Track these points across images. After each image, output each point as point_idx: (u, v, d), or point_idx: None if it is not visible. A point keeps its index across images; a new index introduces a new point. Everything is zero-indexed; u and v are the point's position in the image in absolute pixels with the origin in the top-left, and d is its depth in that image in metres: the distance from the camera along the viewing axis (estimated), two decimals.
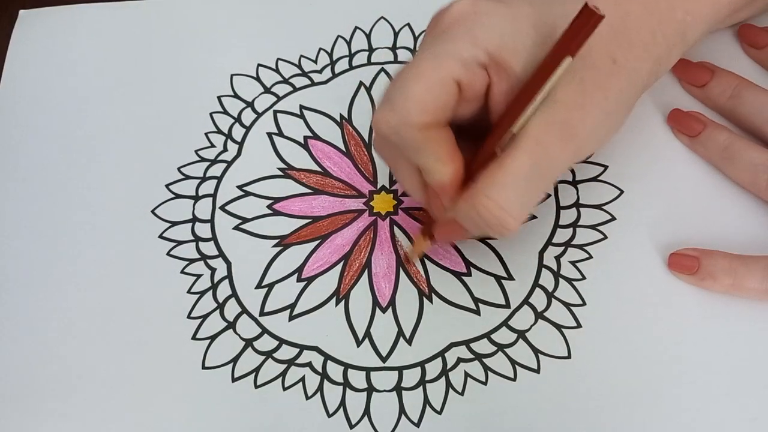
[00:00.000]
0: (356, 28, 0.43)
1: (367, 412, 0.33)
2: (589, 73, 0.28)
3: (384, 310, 0.35)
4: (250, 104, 0.41)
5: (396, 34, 0.42)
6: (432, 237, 0.34)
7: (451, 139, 0.29)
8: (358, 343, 0.34)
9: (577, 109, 0.28)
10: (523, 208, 0.29)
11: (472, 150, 0.30)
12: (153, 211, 0.38)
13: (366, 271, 0.36)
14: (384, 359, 0.34)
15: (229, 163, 0.39)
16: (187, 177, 0.39)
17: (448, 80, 0.27)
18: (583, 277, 0.35)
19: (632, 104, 0.31)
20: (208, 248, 0.37)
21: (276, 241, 0.37)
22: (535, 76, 0.27)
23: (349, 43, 0.42)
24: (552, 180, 0.29)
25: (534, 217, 0.36)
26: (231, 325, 0.35)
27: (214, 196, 0.38)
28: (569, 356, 0.33)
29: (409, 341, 0.34)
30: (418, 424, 0.32)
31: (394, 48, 0.42)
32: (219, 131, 0.40)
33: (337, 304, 0.35)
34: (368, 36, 0.42)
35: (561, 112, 0.28)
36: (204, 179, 0.39)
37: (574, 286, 0.35)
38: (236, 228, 0.37)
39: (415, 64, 0.28)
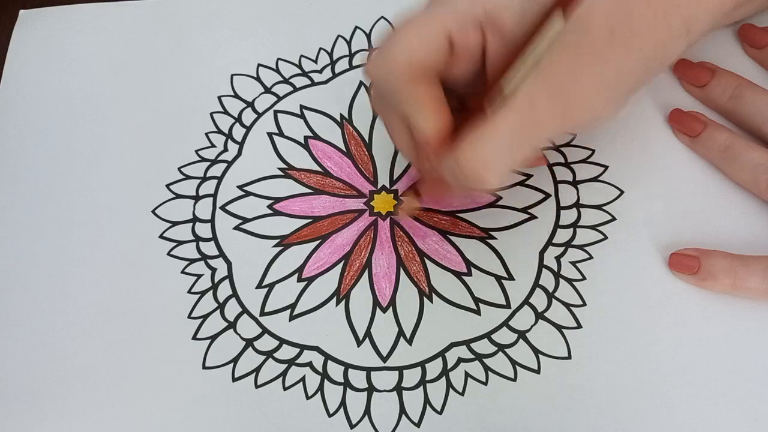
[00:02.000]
0: (356, 27, 0.43)
1: (367, 412, 0.33)
2: (586, 42, 0.28)
3: (384, 310, 0.35)
4: (250, 104, 0.41)
5: None
6: (419, 194, 0.34)
7: (439, 95, 0.30)
8: (359, 343, 0.34)
9: (570, 74, 0.28)
10: (504, 165, 0.29)
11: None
12: (153, 211, 0.38)
13: (366, 271, 0.36)
14: (384, 359, 0.34)
15: (230, 163, 0.39)
16: (188, 177, 0.39)
17: (439, 34, 0.28)
18: (584, 278, 0.35)
19: (633, 86, 0.31)
20: (209, 248, 0.37)
21: (276, 241, 0.37)
22: (528, 35, 0.28)
23: (349, 43, 0.42)
24: (537, 142, 0.29)
25: (534, 217, 0.36)
26: (231, 325, 0.35)
27: (214, 196, 0.38)
28: (569, 357, 0.33)
29: (410, 341, 0.34)
30: (418, 424, 0.32)
31: None
32: (219, 131, 0.40)
33: (337, 304, 0.35)
34: (368, 36, 0.42)
35: (553, 75, 0.28)
36: (204, 179, 0.39)
37: (574, 287, 0.35)
38: (237, 228, 0.37)
39: (411, 16, 0.29)
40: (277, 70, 0.42)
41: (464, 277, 0.35)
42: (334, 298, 0.35)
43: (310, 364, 0.34)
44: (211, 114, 0.41)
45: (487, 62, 0.30)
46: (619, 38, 0.29)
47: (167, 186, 0.39)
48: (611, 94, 0.30)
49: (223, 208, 0.38)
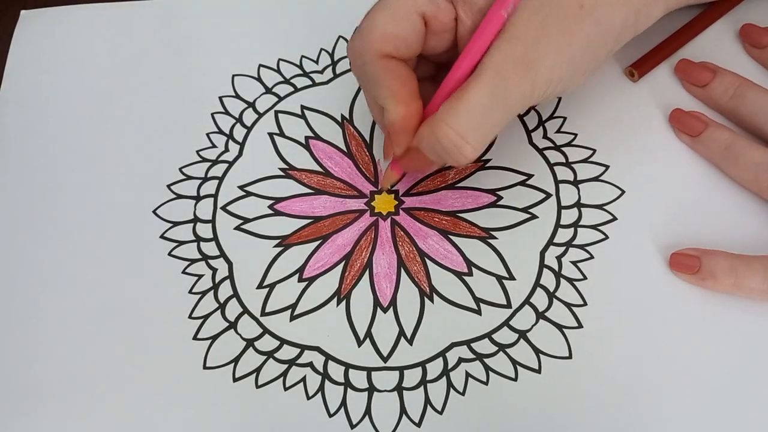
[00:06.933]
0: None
1: (368, 412, 0.33)
2: (553, 13, 0.30)
3: (385, 310, 0.35)
4: (251, 104, 0.41)
5: None
6: (398, 168, 0.35)
7: (412, 82, 0.31)
8: (359, 343, 0.34)
9: (536, 44, 0.29)
10: (480, 136, 0.30)
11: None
12: (154, 212, 0.38)
13: (367, 271, 0.36)
14: (385, 359, 0.34)
15: (231, 164, 0.39)
16: (189, 177, 0.39)
17: (412, 11, 0.30)
18: (585, 277, 0.35)
19: (602, 56, 0.32)
20: (210, 248, 0.37)
21: (277, 241, 0.37)
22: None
23: None
24: (510, 112, 0.30)
25: (535, 216, 0.36)
26: (232, 326, 0.35)
27: (215, 196, 0.38)
28: (570, 356, 0.33)
29: (410, 341, 0.34)
30: (419, 424, 0.32)
31: None
32: (220, 131, 0.40)
33: (338, 304, 0.35)
34: None
35: (520, 46, 0.29)
36: (205, 179, 0.39)
37: (575, 286, 0.35)
38: (237, 228, 0.37)
39: None
40: (278, 71, 0.42)
41: (465, 277, 0.35)
42: (335, 299, 0.35)
43: (310, 365, 0.34)
44: (212, 114, 0.41)
45: (458, 35, 0.31)
46: (588, 10, 0.30)
47: (168, 186, 0.39)
48: (580, 65, 0.32)
49: (224, 208, 0.38)
